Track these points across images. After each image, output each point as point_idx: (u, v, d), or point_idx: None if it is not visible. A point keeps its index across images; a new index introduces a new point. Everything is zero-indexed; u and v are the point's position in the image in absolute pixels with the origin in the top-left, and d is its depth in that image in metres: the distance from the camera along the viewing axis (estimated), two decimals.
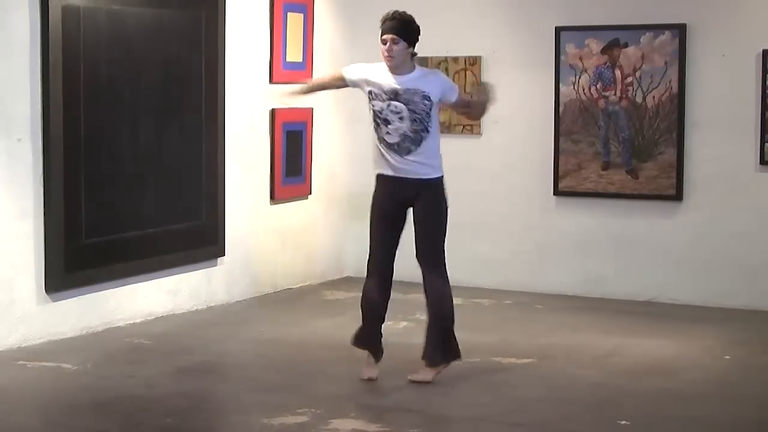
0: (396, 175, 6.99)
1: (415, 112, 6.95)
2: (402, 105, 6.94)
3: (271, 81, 9.66)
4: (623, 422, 6.33)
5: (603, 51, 9.64)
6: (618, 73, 9.61)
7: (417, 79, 6.98)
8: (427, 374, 7.04)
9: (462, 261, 10.19)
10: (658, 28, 9.47)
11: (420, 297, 9.66)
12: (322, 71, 10.08)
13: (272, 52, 9.66)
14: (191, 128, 8.89)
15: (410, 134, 6.95)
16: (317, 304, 9.47)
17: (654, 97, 9.50)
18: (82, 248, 8.00)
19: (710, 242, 9.43)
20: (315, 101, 9.93)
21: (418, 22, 10.17)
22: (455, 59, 10.16)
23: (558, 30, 9.77)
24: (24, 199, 7.72)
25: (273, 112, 9.66)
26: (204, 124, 8.99)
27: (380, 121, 6.98)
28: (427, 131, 6.99)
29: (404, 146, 6.95)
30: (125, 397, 6.69)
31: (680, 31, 9.39)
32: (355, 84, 7.15)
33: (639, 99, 9.56)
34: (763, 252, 9.27)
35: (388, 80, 6.98)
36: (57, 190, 7.80)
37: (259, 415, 6.36)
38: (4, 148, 7.61)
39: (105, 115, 8.15)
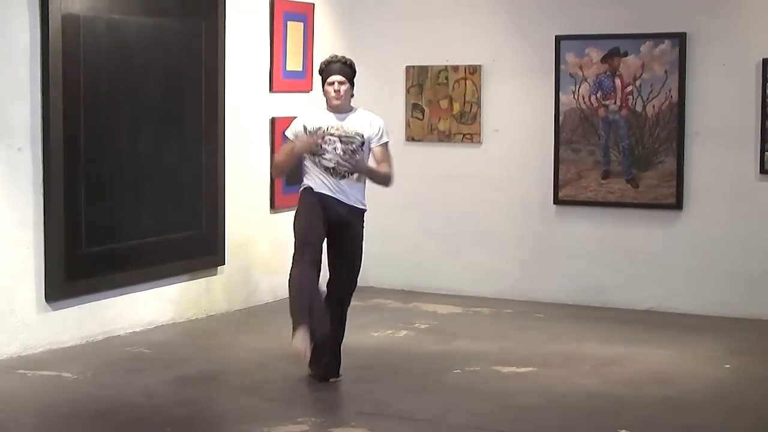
0: (332, 195, 7.21)
1: (348, 144, 7.23)
2: (335, 138, 7.21)
3: (271, 90, 9.67)
4: (623, 431, 6.32)
5: (603, 60, 9.65)
6: (618, 82, 9.61)
7: (355, 119, 7.32)
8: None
9: (462, 270, 10.22)
10: (658, 37, 9.47)
11: (421, 306, 9.72)
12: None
13: (272, 60, 9.67)
14: (191, 137, 8.89)
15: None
16: None
17: (654, 106, 9.51)
18: (82, 257, 8.00)
19: (710, 251, 9.43)
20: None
21: (418, 31, 10.29)
22: (455, 68, 10.17)
23: (558, 39, 9.78)
24: (24, 208, 7.72)
25: (273, 121, 9.66)
26: (204, 132, 8.99)
27: (318, 152, 7.20)
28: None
29: (340, 170, 7.20)
30: (125, 406, 6.69)
31: (680, 40, 9.39)
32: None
33: (639, 108, 9.56)
34: (762, 261, 9.26)
35: (328, 120, 7.28)
36: (57, 199, 7.80)
37: (260, 424, 6.35)
38: (4, 157, 7.61)
39: (105, 124, 8.16)
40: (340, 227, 7.23)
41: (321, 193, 7.18)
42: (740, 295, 9.32)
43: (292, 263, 7.21)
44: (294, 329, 7.00)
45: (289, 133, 7.39)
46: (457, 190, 10.23)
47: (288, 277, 7.21)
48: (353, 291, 7.44)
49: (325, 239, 7.27)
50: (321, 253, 7.24)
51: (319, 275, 7.16)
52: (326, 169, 7.19)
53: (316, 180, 7.21)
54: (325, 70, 7.36)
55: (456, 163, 10.21)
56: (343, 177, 7.20)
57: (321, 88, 7.43)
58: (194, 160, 8.93)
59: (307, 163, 7.25)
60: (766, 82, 9.13)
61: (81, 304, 8.10)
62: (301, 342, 6.93)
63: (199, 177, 8.97)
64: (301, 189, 7.30)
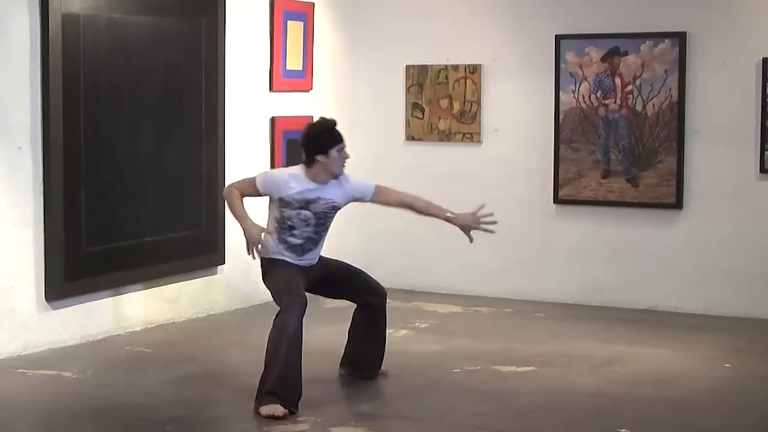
0: (297, 263, 6.90)
1: (321, 219, 6.90)
2: (310, 213, 6.84)
3: (271, 89, 9.66)
4: (623, 431, 6.32)
5: (603, 59, 9.64)
6: (618, 81, 9.61)
7: (332, 189, 6.89)
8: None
9: (462, 269, 10.22)
10: (658, 37, 9.47)
11: (421, 305, 9.73)
12: (321, 79, 10.11)
13: (272, 60, 9.66)
14: (191, 136, 8.89)
15: (313, 236, 6.91)
16: (317, 313, 9.41)
17: (654, 106, 9.51)
18: (82, 256, 8.00)
19: (710, 250, 9.42)
20: (315, 109, 9.92)
21: (418, 30, 10.28)
22: (455, 67, 10.16)
23: (558, 38, 9.77)
24: (24, 208, 7.72)
25: (273, 120, 9.66)
26: (204, 132, 8.99)
27: (285, 226, 6.85)
28: (327, 230, 7.00)
29: (306, 247, 6.90)
30: (125, 406, 6.69)
31: (680, 39, 9.39)
32: (265, 194, 6.91)
33: (639, 107, 9.56)
34: (763, 261, 9.26)
35: (303, 188, 6.82)
36: (57, 199, 7.80)
37: (260, 423, 6.36)
38: (4, 156, 7.61)
39: (105, 124, 8.16)
40: (324, 277, 7.03)
41: (288, 263, 6.86)
42: (740, 294, 9.32)
43: (285, 309, 6.62)
44: (266, 401, 6.49)
45: (261, 184, 6.86)
46: (457, 189, 10.20)
47: (279, 323, 6.60)
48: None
49: (323, 291, 7.19)
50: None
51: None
52: (290, 246, 6.86)
53: (279, 251, 6.87)
54: (334, 138, 6.79)
55: (456, 162, 10.20)
56: (308, 251, 6.91)
57: (321, 153, 6.77)
58: (194, 160, 8.93)
59: (271, 228, 6.88)
60: (766, 82, 9.13)
61: (81, 303, 8.10)
62: (276, 412, 6.43)
63: (199, 177, 8.97)
64: (268, 259, 6.89)
